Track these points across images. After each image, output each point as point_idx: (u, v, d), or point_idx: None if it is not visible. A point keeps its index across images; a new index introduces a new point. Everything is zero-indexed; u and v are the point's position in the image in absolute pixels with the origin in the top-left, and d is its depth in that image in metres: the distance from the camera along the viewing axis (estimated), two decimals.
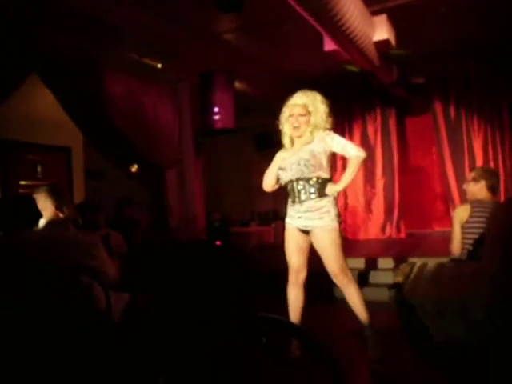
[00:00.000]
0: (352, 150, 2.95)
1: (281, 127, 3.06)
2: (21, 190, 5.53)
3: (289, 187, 2.99)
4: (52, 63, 4.87)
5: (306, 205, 2.90)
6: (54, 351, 2.14)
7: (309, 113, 2.93)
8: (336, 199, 2.97)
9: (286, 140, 3.06)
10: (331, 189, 2.91)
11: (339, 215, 2.95)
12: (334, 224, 2.88)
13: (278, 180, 3.08)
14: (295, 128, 2.95)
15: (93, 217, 3.36)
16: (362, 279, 4.86)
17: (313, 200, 2.88)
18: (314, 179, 2.89)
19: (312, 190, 2.89)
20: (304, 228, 2.94)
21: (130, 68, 5.74)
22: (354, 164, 2.95)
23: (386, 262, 5.00)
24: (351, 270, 3.01)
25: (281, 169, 3.00)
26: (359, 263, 5.12)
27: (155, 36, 5.22)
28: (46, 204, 2.44)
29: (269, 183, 3.08)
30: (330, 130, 2.98)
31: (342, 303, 4.52)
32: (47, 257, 2.28)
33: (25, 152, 5.71)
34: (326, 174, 2.92)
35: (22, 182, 5.61)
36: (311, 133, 2.93)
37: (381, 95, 7.24)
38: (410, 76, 7.02)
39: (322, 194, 2.89)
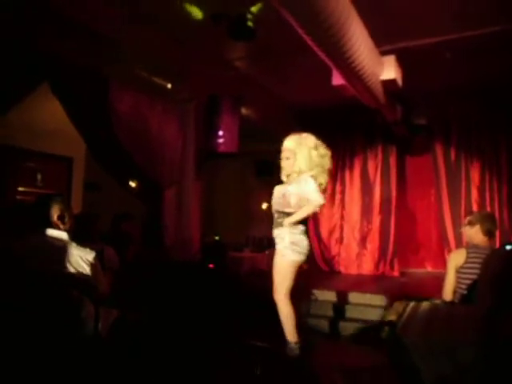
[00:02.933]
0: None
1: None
2: (18, 197, 5.51)
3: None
4: (63, 74, 4.94)
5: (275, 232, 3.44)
6: (38, 361, 2.11)
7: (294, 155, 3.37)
8: None
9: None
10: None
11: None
12: None
13: None
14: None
15: (90, 229, 3.35)
16: (351, 313, 4.85)
17: None
18: None
19: None
20: None
21: (139, 85, 5.81)
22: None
23: (377, 299, 4.96)
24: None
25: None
26: (350, 297, 5.10)
27: (166, 57, 5.32)
28: (51, 213, 2.45)
29: None
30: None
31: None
32: (41, 266, 2.27)
33: (26, 159, 5.72)
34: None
35: (21, 189, 5.59)
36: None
37: (383, 132, 7.34)
38: (412, 116, 7.13)
39: None
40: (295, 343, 3.25)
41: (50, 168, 5.94)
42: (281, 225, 3.31)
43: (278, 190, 3.44)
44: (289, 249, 3.27)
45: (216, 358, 3.47)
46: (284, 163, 3.41)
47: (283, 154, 3.40)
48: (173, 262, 5.35)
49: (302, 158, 3.32)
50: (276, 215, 3.39)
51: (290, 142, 3.39)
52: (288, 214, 3.30)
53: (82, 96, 5.24)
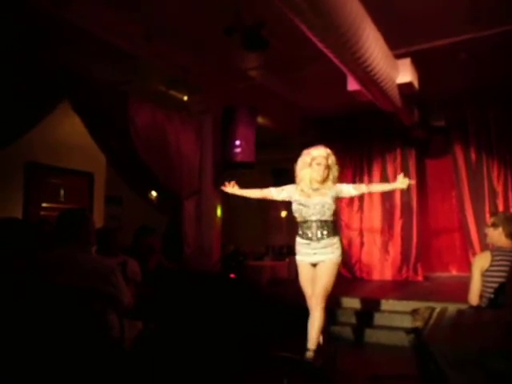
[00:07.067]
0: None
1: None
2: (42, 212, 5.62)
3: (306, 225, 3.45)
4: (83, 90, 5.04)
5: (323, 242, 3.40)
6: (63, 373, 2.13)
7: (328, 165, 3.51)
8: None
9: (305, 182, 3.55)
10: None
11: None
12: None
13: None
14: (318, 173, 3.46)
15: (111, 242, 3.40)
16: (377, 320, 4.79)
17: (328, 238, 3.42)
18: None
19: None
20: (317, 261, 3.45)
21: (157, 98, 5.90)
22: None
23: (402, 305, 4.88)
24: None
25: (301, 204, 3.47)
26: (373, 304, 5.03)
27: (183, 70, 5.40)
28: (75, 228, 2.49)
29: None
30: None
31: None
32: (66, 280, 2.30)
33: (49, 175, 5.83)
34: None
35: (44, 205, 5.70)
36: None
37: (401, 136, 7.26)
38: (430, 118, 7.04)
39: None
40: (315, 351, 3.24)
41: (72, 183, 6.05)
42: (331, 234, 3.42)
43: (313, 199, 3.45)
44: (340, 257, 3.45)
45: (241, 369, 3.46)
46: (316, 169, 3.45)
47: (316, 161, 3.45)
48: (193, 273, 5.37)
49: (335, 169, 3.51)
50: (320, 223, 3.41)
51: (323, 151, 3.50)
52: (332, 222, 3.44)
53: (102, 111, 5.32)
